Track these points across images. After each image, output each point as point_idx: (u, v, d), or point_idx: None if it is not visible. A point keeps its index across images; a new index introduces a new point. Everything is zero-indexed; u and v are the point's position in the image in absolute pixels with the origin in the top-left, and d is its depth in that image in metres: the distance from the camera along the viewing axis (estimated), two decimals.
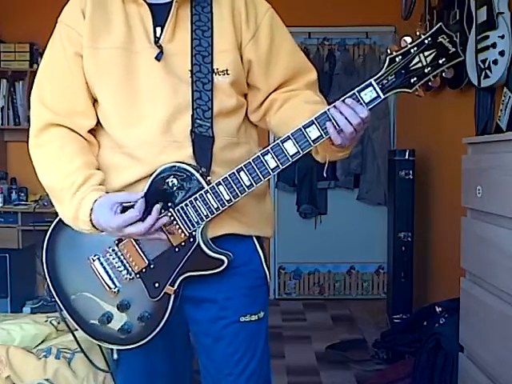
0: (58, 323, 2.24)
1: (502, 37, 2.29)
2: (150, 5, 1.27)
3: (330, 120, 1.15)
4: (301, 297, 4.67)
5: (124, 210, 1.19)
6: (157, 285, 1.25)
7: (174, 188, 1.21)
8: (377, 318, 3.98)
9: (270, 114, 1.35)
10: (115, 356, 1.37)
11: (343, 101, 1.15)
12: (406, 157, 3.50)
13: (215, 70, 1.26)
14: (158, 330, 1.28)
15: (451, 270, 2.94)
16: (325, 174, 1.31)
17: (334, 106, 1.16)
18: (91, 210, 1.20)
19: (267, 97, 1.34)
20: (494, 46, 2.33)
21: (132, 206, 1.18)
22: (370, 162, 4.48)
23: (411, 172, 3.48)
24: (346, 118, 1.14)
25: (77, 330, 1.35)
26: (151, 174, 1.23)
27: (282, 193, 4.60)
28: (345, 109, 1.15)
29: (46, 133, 1.29)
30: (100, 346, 1.39)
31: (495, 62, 2.33)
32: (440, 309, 2.60)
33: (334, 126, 1.15)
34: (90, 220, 1.20)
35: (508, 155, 1.76)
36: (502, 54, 2.29)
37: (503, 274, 1.75)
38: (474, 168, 2.03)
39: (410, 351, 2.86)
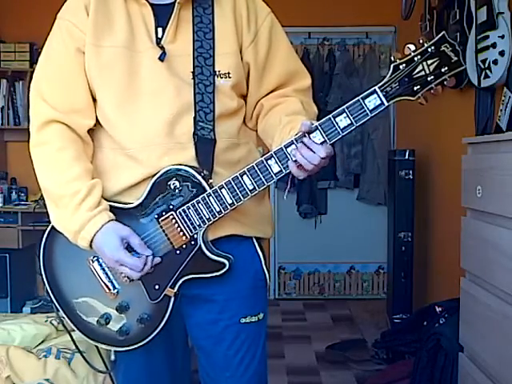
0: (58, 323, 2.24)
1: (502, 37, 2.28)
2: (151, 5, 1.26)
3: (290, 159, 1.15)
4: (301, 297, 4.67)
5: (127, 246, 1.22)
6: (157, 287, 1.25)
7: (176, 190, 1.21)
8: (377, 317, 3.98)
9: (258, 120, 1.36)
10: (112, 357, 1.36)
11: (302, 141, 1.13)
12: (406, 157, 3.50)
13: (217, 73, 1.26)
14: (156, 331, 1.27)
15: (451, 270, 2.94)
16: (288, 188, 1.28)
17: (296, 146, 1.13)
18: (97, 231, 1.21)
19: (257, 103, 1.35)
20: (493, 46, 2.33)
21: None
22: (370, 161, 4.48)
23: (411, 172, 3.48)
24: (306, 159, 1.13)
25: (74, 330, 1.34)
26: (153, 176, 1.22)
27: (282, 193, 4.60)
28: (305, 151, 1.13)
29: (45, 130, 1.27)
30: (97, 347, 1.39)
31: (495, 62, 2.33)
32: (440, 309, 2.59)
33: (295, 162, 1.14)
34: (91, 240, 1.22)
35: (508, 155, 1.76)
36: (502, 54, 2.29)
37: (503, 274, 1.75)
38: (474, 168, 2.03)
39: (410, 351, 2.86)
